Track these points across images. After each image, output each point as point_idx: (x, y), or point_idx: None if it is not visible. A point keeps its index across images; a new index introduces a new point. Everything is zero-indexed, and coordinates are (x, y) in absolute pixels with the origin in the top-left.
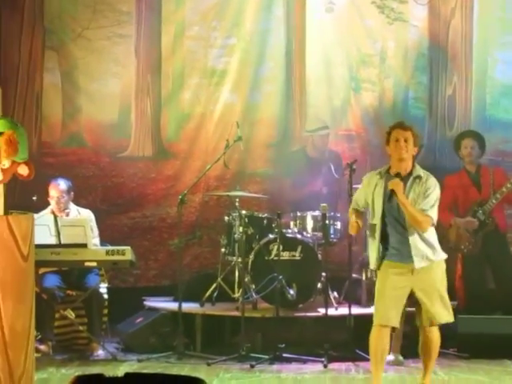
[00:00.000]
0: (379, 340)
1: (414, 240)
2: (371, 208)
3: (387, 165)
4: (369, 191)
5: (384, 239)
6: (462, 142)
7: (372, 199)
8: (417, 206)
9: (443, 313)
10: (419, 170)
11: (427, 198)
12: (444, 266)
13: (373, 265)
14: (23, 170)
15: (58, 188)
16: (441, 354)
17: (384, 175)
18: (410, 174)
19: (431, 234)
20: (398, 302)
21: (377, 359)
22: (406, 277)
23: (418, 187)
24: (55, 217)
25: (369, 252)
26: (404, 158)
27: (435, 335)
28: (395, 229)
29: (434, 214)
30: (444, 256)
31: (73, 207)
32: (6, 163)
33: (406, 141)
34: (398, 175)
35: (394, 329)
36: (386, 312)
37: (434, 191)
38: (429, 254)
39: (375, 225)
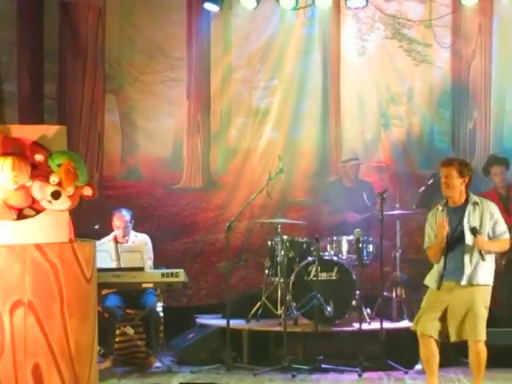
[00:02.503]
0: None
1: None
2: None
3: (445, 199)
4: (433, 224)
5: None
6: (491, 169)
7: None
8: (488, 231)
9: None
10: (474, 197)
11: (498, 224)
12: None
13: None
14: (87, 192)
15: (123, 218)
16: (465, 364)
17: (444, 207)
18: (467, 201)
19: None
20: None
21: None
22: None
23: (476, 212)
24: (116, 243)
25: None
26: (449, 195)
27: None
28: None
29: (507, 234)
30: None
31: (132, 233)
32: (71, 190)
33: (446, 177)
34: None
35: None
36: None
37: (499, 214)
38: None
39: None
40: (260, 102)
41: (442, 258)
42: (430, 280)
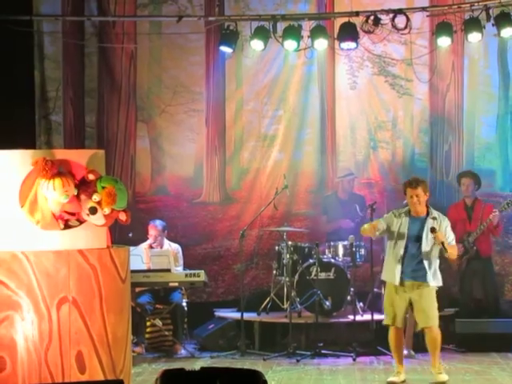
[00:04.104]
0: None
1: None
2: (394, 237)
3: (407, 207)
4: (391, 223)
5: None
6: (461, 180)
7: (397, 231)
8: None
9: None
10: (434, 212)
11: (450, 234)
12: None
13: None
14: (122, 217)
15: (157, 228)
16: (443, 349)
17: (407, 215)
18: (427, 214)
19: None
20: None
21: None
22: None
23: (434, 224)
24: (147, 249)
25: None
26: (419, 211)
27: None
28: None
29: (454, 241)
30: None
31: (166, 241)
32: (107, 210)
33: (417, 196)
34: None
35: None
36: None
37: (450, 227)
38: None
39: (398, 250)
40: (268, 129)
41: (400, 260)
42: (391, 277)
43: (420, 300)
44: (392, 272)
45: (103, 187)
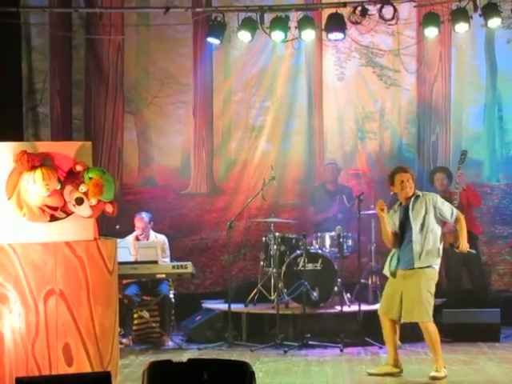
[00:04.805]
0: None
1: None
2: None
3: (399, 201)
4: (393, 220)
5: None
6: (434, 176)
7: (395, 225)
8: (442, 218)
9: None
10: (417, 192)
11: (445, 207)
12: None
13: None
14: (109, 208)
15: (143, 220)
16: None
17: (399, 206)
18: (411, 197)
19: None
20: None
21: None
22: None
23: (418, 203)
24: (134, 241)
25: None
26: (409, 195)
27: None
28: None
29: (456, 210)
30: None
31: (152, 233)
32: (94, 201)
33: (408, 180)
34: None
35: None
36: None
37: (442, 200)
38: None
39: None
40: (255, 120)
41: (397, 251)
42: (386, 270)
43: (406, 291)
44: (388, 263)
45: (90, 178)
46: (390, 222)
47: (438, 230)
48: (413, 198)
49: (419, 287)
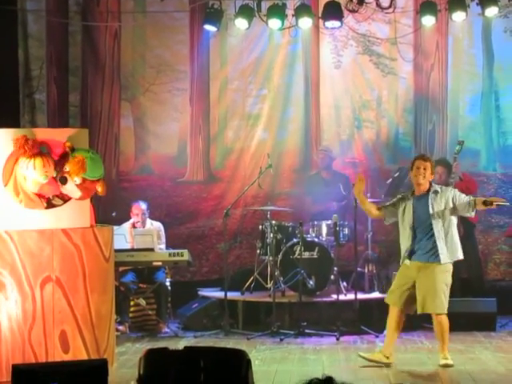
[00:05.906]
0: None
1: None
2: (403, 221)
3: (412, 189)
4: (398, 207)
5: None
6: (434, 169)
7: (403, 215)
8: (459, 206)
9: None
10: (435, 186)
11: (463, 198)
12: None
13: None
14: (98, 187)
15: (139, 208)
16: (427, 329)
17: (411, 196)
18: (428, 191)
19: None
20: None
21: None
22: None
23: (438, 198)
24: (131, 228)
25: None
26: (421, 183)
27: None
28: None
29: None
30: None
31: (148, 220)
32: (78, 180)
33: (425, 169)
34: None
35: None
36: None
37: (457, 192)
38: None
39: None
40: (252, 108)
41: (410, 240)
42: (401, 259)
43: (422, 283)
44: (402, 254)
45: (73, 157)
46: (397, 206)
47: (456, 222)
48: (431, 194)
49: (435, 279)
